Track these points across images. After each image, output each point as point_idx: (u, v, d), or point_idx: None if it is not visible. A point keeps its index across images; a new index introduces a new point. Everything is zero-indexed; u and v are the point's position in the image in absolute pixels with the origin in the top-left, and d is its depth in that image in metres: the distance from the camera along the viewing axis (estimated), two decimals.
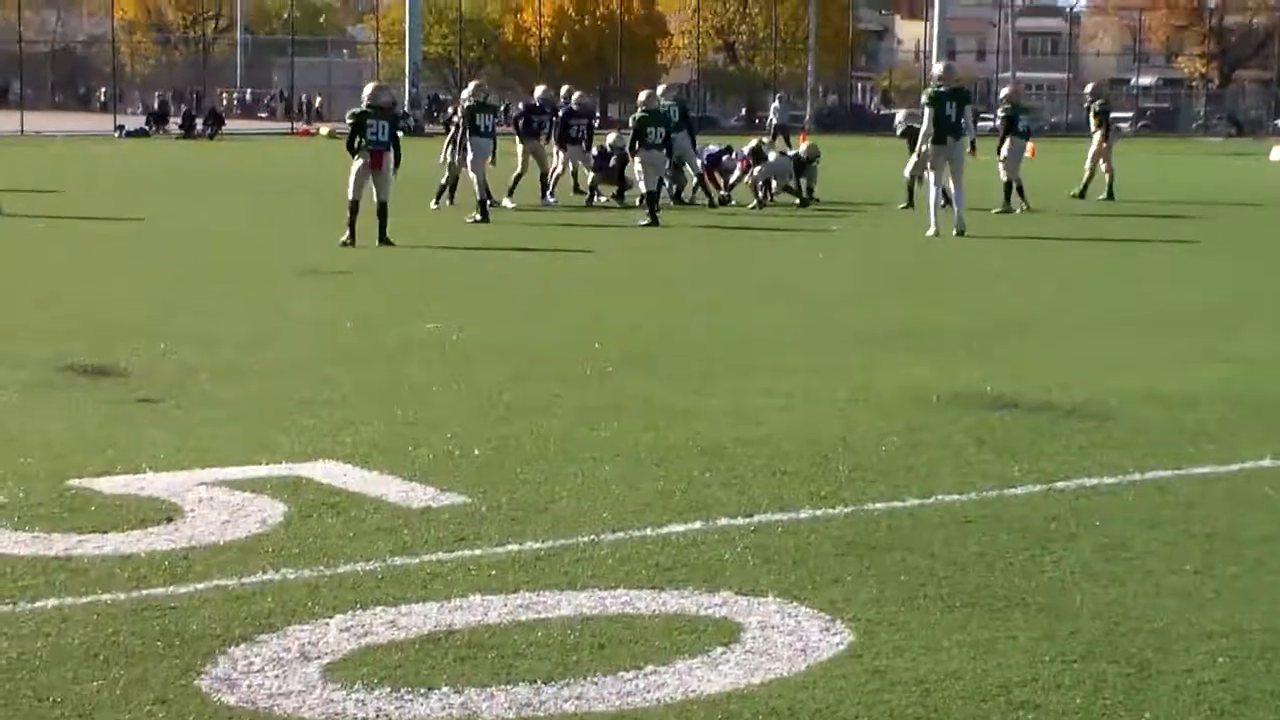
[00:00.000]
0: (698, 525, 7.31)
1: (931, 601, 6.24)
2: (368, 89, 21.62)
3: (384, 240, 20.39)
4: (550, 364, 11.59)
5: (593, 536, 7.09)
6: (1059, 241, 22.91)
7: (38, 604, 6.09)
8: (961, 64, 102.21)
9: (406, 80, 77.19)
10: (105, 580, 6.39)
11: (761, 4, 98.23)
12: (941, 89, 23.33)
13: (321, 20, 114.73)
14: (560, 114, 29.47)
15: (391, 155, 20.73)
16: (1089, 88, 34.13)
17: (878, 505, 7.70)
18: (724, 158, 29.62)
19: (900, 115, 30.85)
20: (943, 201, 23.41)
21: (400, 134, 21.41)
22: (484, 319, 14.12)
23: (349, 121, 21.18)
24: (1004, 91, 29.50)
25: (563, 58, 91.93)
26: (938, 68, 24.54)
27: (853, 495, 7.88)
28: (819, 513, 7.55)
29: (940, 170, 23.12)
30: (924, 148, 23.55)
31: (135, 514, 7.36)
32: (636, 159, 25.47)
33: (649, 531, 7.20)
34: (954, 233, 22.71)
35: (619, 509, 7.56)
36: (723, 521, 7.38)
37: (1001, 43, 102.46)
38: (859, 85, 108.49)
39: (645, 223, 24.33)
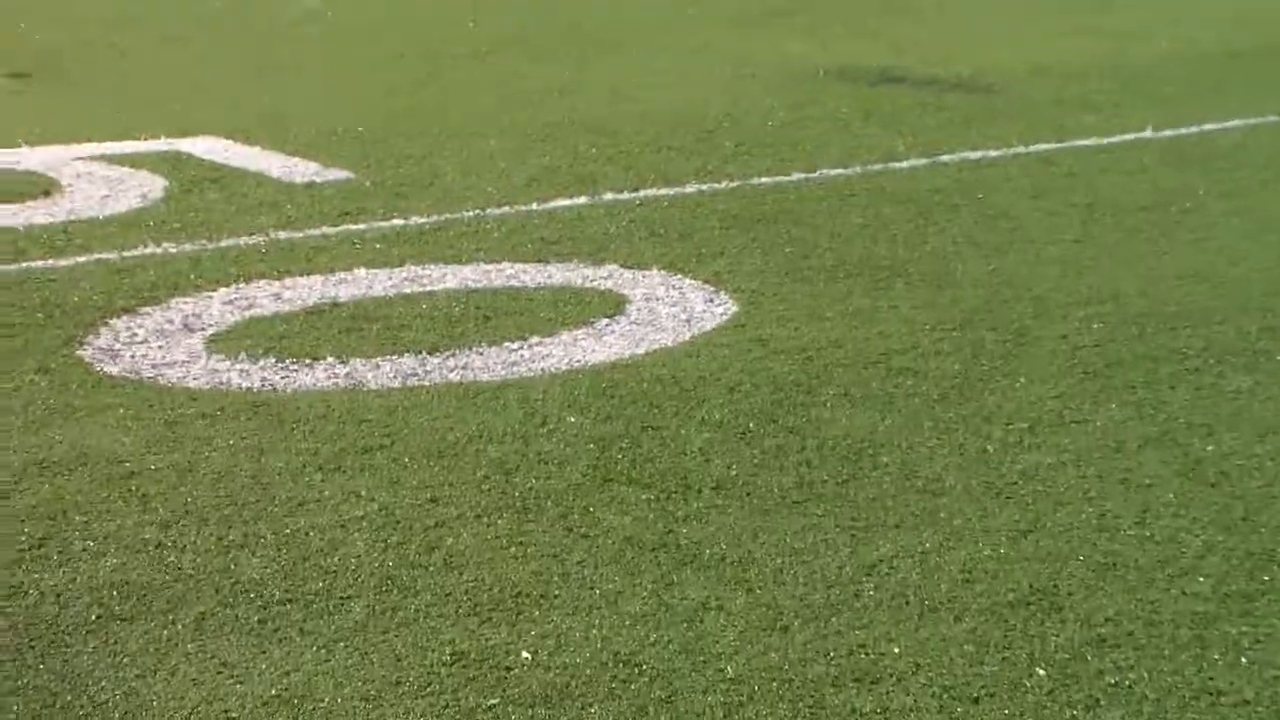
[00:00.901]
0: (583, 200, 7.29)
1: (815, 273, 6.27)
2: None
3: None
4: (427, 43, 11.40)
5: (478, 211, 7.05)
6: None
7: None
8: None
9: None
10: None
11: None
12: None
13: None
14: None
15: None
16: None
17: (763, 180, 7.70)
18: None
19: None
20: None
21: None
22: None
23: None
24: None
25: None
26: None
27: (738, 170, 7.86)
28: (704, 187, 7.54)
29: None
30: None
31: (11, 188, 7.22)
32: None
33: (534, 206, 7.17)
34: None
35: (504, 184, 7.51)
36: (608, 196, 7.35)
37: None
38: None
39: None
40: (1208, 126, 8.93)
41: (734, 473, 4.38)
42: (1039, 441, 4.61)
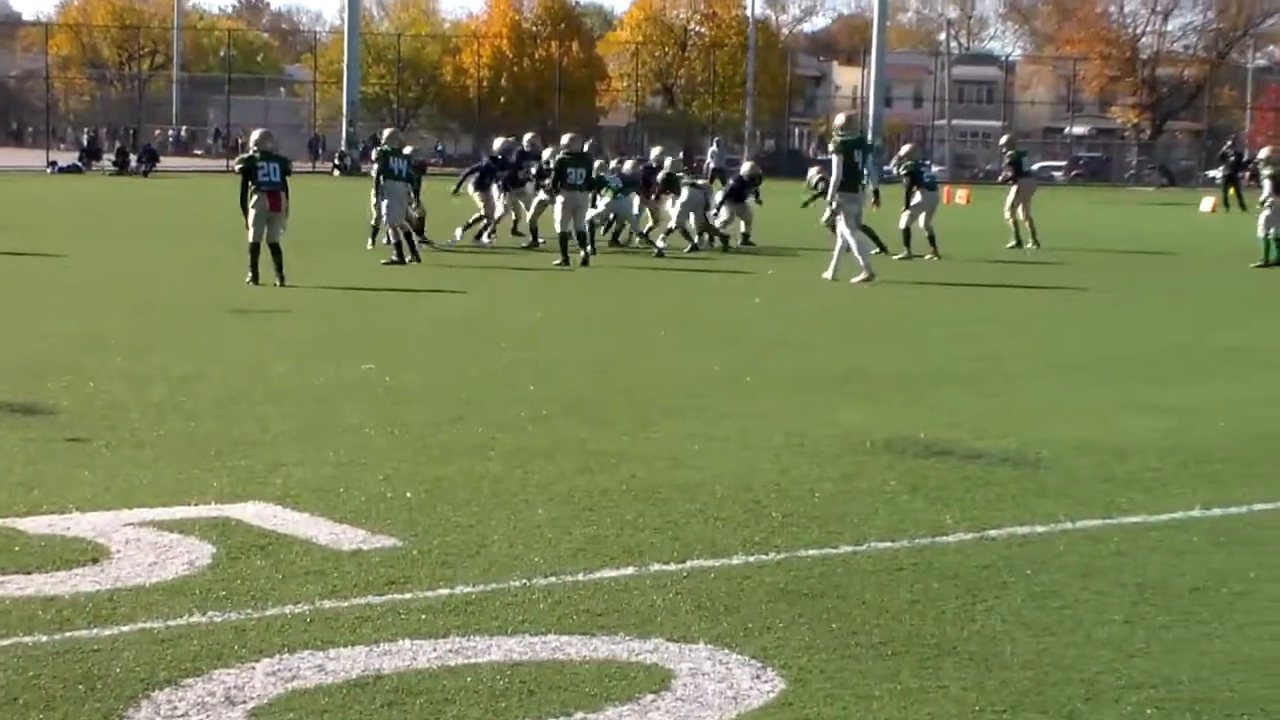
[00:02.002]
0: (630, 570, 7.28)
1: (863, 649, 6.22)
2: (254, 134, 22.03)
3: (283, 281, 20.48)
4: (484, 406, 11.54)
5: (525, 581, 7.05)
6: (990, 289, 23.02)
7: None
8: (898, 111, 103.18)
9: (344, 120, 77.18)
10: (27, 622, 6.30)
11: (700, 49, 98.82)
12: (848, 137, 23.28)
13: (259, 59, 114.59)
14: (509, 158, 29.33)
15: (285, 196, 21.26)
16: (1004, 139, 35.05)
17: (810, 552, 7.69)
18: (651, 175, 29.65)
19: (813, 172, 31.27)
20: (875, 248, 23.59)
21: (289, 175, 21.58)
22: (417, 360, 14.06)
23: (237, 167, 21.62)
24: (903, 150, 29.99)
25: (500, 99, 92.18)
26: (840, 118, 24.93)
27: (786, 542, 7.86)
28: (752, 559, 7.53)
29: (852, 217, 23.00)
30: (834, 196, 23.14)
31: (60, 554, 7.27)
32: (559, 198, 25.45)
33: (581, 576, 7.16)
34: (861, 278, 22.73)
35: (551, 553, 7.52)
36: (655, 567, 7.34)
37: (938, 90, 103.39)
38: (796, 130, 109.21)
39: (558, 263, 24.47)
40: (1258, 506, 8.91)
41: None
42: None
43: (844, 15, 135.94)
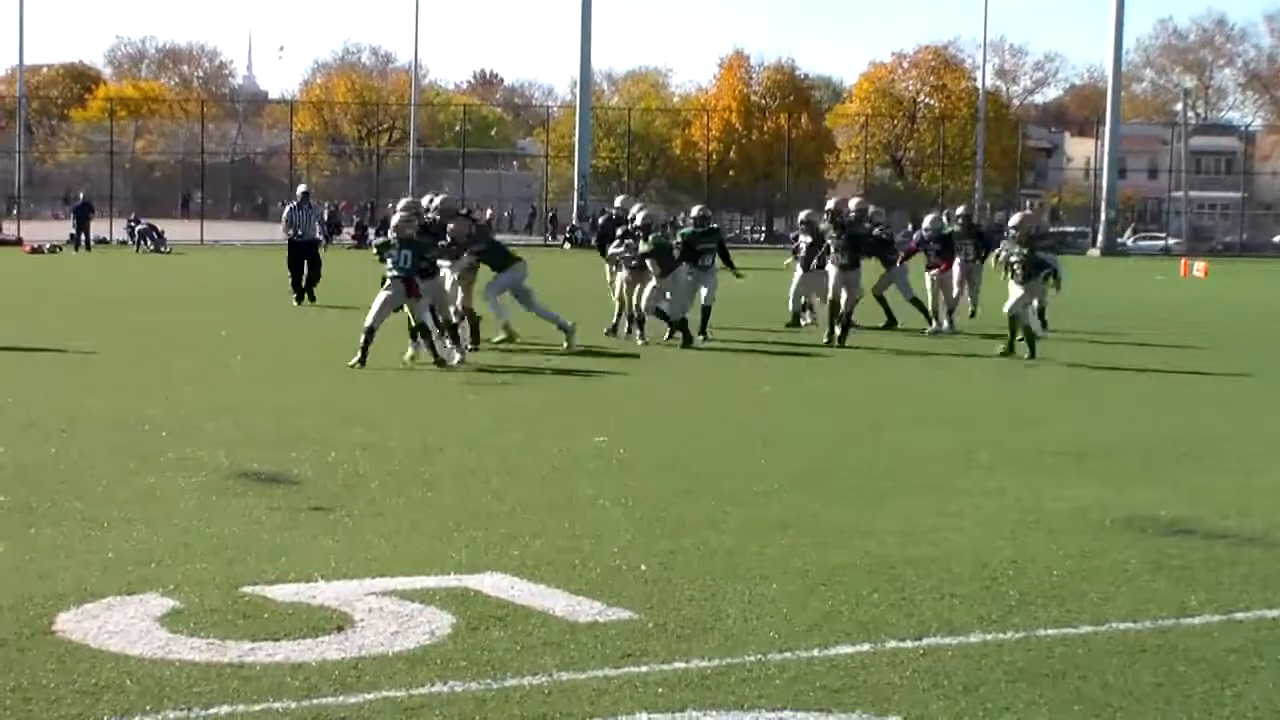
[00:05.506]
0: (866, 647, 7.24)
1: None
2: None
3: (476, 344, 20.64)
4: (716, 480, 11.57)
5: (760, 656, 7.04)
6: (1219, 362, 22.54)
7: (211, 710, 6.16)
8: (1132, 182, 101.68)
9: (575, 193, 78.17)
10: (277, 688, 6.45)
11: (929, 121, 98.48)
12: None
13: (492, 133, 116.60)
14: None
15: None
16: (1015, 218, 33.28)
17: (1049, 631, 7.58)
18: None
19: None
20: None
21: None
22: (648, 433, 14.13)
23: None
24: (961, 210, 30.41)
25: (729, 172, 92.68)
26: (831, 203, 26.57)
27: (1024, 620, 7.76)
28: (989, 637, 7.45)
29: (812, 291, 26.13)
30: (826, 268, 24.92)
31: (307, 622, 7.43)
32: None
33: (816, 652, 7.14)
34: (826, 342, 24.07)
35: (786, 628, 7.51)
36: (891, 644, 7.30)
37: (1174, 161, 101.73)
38: (1027, 203, 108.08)
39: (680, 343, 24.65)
40: None
41: None
42: None
43: (1076, 86, 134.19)
